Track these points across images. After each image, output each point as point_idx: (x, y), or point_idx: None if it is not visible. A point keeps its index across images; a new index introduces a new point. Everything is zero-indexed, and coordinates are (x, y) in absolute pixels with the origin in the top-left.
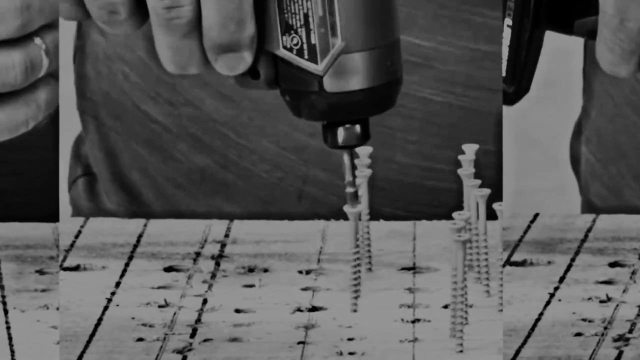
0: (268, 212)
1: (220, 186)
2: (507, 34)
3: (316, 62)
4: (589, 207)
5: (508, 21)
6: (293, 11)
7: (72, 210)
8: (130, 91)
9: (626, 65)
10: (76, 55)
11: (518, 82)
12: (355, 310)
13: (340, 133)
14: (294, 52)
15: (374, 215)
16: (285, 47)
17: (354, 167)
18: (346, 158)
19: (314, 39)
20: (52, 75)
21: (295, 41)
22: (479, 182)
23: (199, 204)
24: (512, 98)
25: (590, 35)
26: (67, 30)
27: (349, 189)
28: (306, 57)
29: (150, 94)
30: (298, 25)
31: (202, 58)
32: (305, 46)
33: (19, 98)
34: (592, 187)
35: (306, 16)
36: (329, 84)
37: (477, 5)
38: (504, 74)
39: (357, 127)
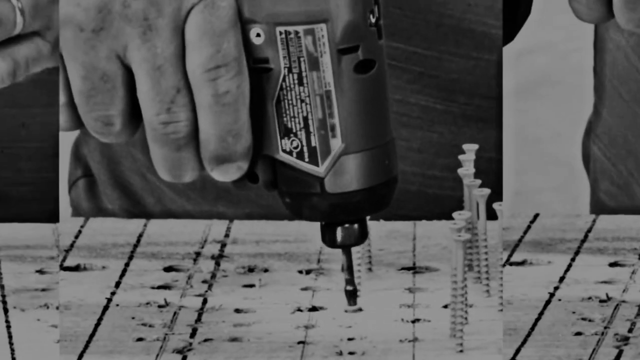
0: (271, 217)
1: (222, 192)
2: None
3: (317, 165)
4: (598, 205)
5: None
6: (292, 115)
7: (72, 211)
8: None
9: (594, 13)
10: None
11: (507, 26)
12: (354, 304)
13: (339, 233)
14: (294, 155)
15: (374, 216)
16: (284, 151)
17: (352, 266)
18: (345, 257)
19: (314, 142)
20: (37, 34)
21: (295, 144)
22: (479, 181)
23: (199, 210)
24: (506, 38)
25: None
26: None
27: (348, 287)
28: (306, 159)
29: None
30: (297, 128)
31: (198, 166)
32: (305, 149)
33: None
34: (602, 185)
35: (305, 119)
36: (330, 185)
37: (479, 15)
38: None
39: (356, 227)
